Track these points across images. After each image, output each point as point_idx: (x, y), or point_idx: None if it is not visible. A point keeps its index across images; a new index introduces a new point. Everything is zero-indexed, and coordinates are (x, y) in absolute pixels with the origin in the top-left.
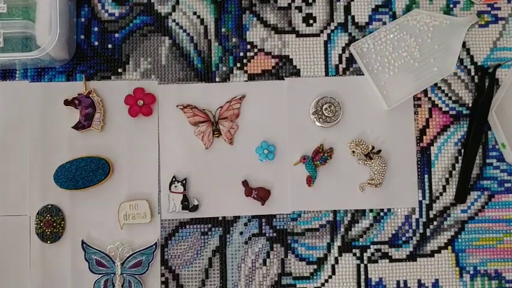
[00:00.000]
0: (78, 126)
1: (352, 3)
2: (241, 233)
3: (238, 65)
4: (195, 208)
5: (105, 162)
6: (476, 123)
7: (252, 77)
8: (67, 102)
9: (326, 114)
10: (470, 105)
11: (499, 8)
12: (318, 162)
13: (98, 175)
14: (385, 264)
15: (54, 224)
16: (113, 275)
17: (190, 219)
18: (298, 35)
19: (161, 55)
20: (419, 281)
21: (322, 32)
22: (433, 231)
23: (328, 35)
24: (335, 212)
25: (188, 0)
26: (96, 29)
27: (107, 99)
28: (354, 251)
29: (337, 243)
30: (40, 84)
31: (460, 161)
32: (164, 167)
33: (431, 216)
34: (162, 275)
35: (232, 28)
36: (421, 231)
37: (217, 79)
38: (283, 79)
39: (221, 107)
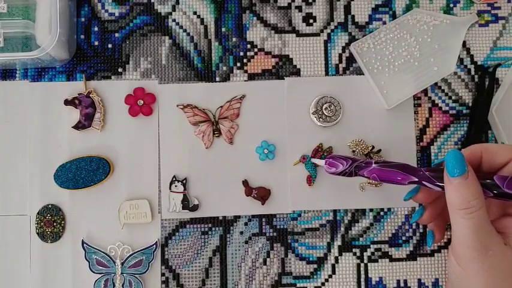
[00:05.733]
0: (78, 126)
1: (352, 2)
2: (241, 233)
3: (238, 64)
4: (195, 208)
5: (105, 162)
6: (476, 123)
7: (252, 77)
8: (67, 102)
9: (326, 114)
10: (470, 104)
11: (499, 8)
12: None
13: (98, 175)
14: (385, 264)
15: (55, 224)
16: (113, 274)
17: (191, 219)
18: (298, 34)
19: (161, 55)
20: (419, 280)
21: (322, 31)
22: None
23: (328, 35)
24: (335, 212)
25: (188, 0)
26: (96, 28)
27: (107, 99)
28: (354, 250)
29: (337, 242)
30: (40, 84)
31: None
32: (164, 167)
33: None
34: (163, 274)
35: (232, 28)
36: (421, 230)
37: (217, 79)
38: (283, 79)
39: (221, 106)
